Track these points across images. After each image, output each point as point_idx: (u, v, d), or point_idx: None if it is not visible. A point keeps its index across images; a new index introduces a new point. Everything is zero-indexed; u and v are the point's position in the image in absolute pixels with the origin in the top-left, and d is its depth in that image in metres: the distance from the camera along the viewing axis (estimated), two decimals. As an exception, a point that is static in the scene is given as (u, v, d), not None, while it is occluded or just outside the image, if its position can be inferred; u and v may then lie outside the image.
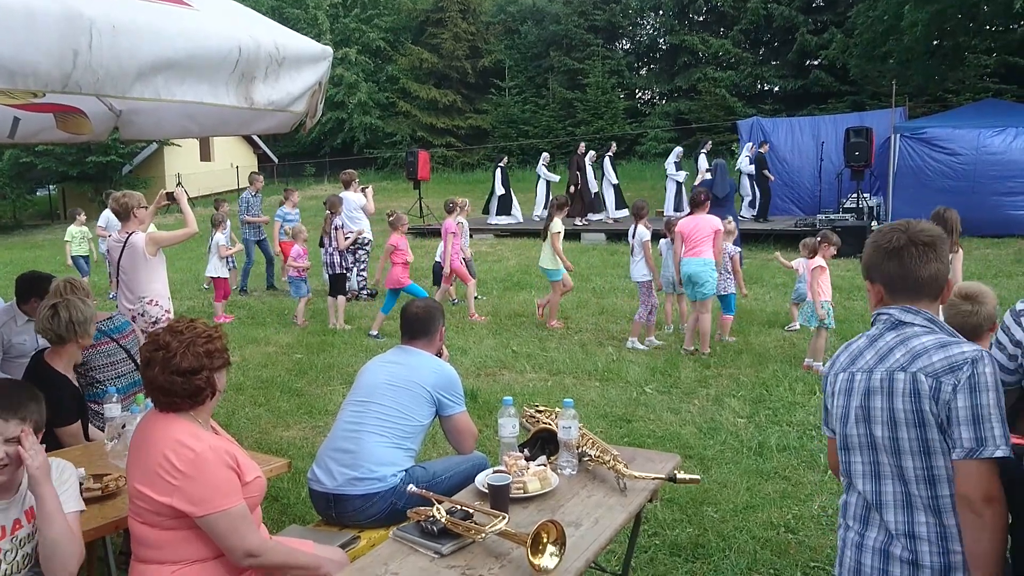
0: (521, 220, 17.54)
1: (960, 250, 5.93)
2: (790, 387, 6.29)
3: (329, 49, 2.72)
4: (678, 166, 16.74)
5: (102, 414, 4.11)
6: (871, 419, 1.89)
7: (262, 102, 2.43)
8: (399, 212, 9.34)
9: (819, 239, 7.02)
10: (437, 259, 10.28)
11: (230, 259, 11.18)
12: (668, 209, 16.39)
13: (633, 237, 7.79)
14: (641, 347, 7.72)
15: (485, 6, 34.72)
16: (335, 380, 6.94)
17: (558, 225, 8.55)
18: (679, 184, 16.62)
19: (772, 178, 15.63)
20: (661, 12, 31.22)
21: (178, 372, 2.31)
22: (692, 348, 7.44)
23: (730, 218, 8.99)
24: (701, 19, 31.06)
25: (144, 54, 2.07)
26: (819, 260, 6.74)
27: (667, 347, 7.73)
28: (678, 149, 17.45)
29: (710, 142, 17.64)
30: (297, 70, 2.54)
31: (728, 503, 4.26)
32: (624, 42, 34.00)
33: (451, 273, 9.42)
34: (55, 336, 3.60)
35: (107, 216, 12.10)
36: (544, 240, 8.69)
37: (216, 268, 9.90)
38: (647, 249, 7.74)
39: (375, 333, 8.52)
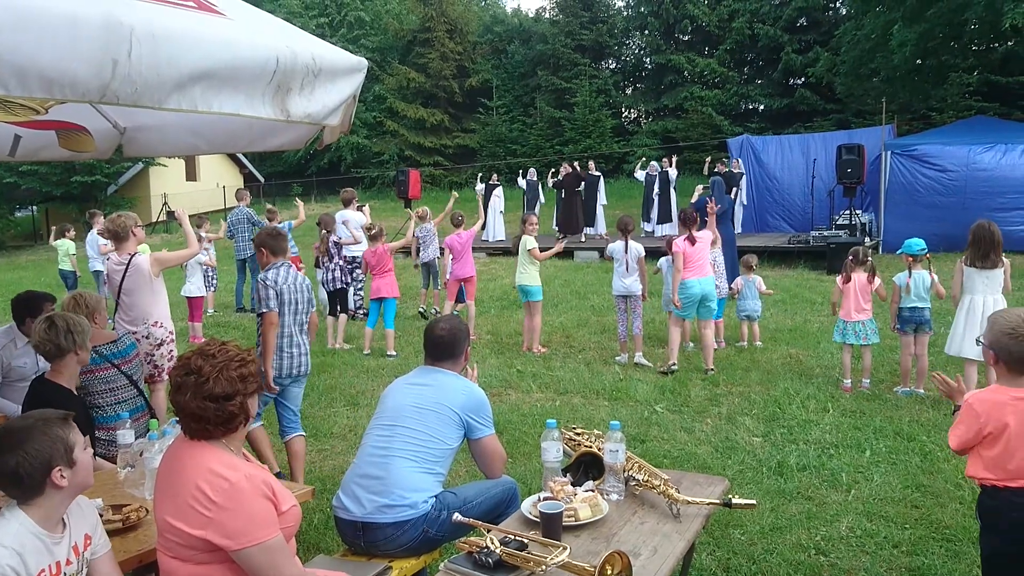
0: (489, 239, 17.69)
1: (1007, 262, 5.91)
2: (802, 404, 6.22)
3: (364, 61, 2.63)
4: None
5: (106, 440, 3.97)
6: None
7: (299, 114, 2.33)
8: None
9: (863, 257, 6.68)
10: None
11: (212, 277, 11.01)
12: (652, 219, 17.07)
13: (626, 253, 7.73)
14: (647, 363, 7.65)
15: (472, 26, 34.83)
16: (338, 402, 6.80)
17: (531, 241, 8.34)
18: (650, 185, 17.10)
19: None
20: (647, 32, 31.44)
21: (211, 398, 2.19)
22: (712, 367, 7.33)
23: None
24: (686, 39, 31.30)
25: (184, 64, 1.97)
26: (877, 279, 6.64)
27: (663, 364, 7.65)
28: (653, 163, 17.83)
29: (655, 163, 17.83)
30: (333, 82, 2.44)
31: (754, 525, 4.16)
32: (611, 61, 34.21)
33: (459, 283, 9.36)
34: (54, 348, 3.44)
35: (93, 236, 11.96)
36: (519, 256, 8.43)
37: (190, 288, 9.59)
38: (642, 264, 7.75)
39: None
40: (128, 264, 5.16)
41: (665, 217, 16.75)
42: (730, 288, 8.42)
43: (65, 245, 12.50)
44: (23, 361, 4.36)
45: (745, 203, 17.06)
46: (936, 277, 6.34)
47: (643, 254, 7.77)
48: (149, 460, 2.99)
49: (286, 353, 4.71)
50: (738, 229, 15.67)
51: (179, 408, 2.23)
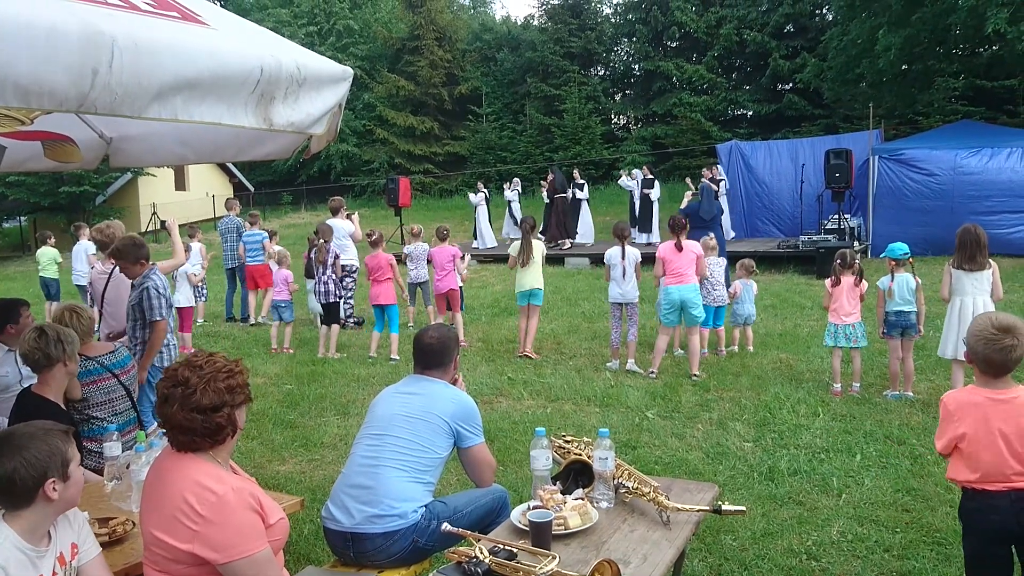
0: (493, 244, 17.62)
1: (995, 264, 5.92)
2: (793, 409, 6.23)
3: (350, 70, 2.62)
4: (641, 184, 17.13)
5: (96, 452, 3.94)
6: None
7: (282, 123, 2.32)
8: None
9: (850, 261, 6.69)
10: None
11: (202, 287, 10.93)
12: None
13: (623, 259, 7.74)
14: (638, 370, 7.64)
15: (461, 34, 34.89)
16: (328, 411, 6.77)
17: (543, 247, 8.57)
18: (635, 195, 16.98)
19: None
20: (635, 38, 31.52)
21: (198, 409, 2.17)
22: (698, 373, 7.37)
23: (711, 234, 9.02)
24: (675, 45, 31.41)
25: (166, 73, 1.96)
26: (864, 282, 6.66)
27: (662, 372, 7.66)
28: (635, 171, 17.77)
29: (638, 171, 17.75)
30: (317, 91, 2.44)
31: (745, 530, 4.15)
32: (600, 68, 34.27)
33: (444, 296, 9.36)
34: (43, 356, 3.40)
35: (79, 249, 11.88)
36: (531, 261, 8.53)
37: (180, 299, 9.47)
38: (639, 270, 7.75)
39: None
40: (111, 274, 5.13)
41: (645, 226, 16.58)
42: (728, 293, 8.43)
43: (50, 253, 12.32)
44: (4, 370, 4.31)
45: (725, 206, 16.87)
46: (920, 281, 6.37)
47: (640, 259, 7.78)
48: (136, 472, 2.96)
49: (165, 349, 5.04)
50: (730, 235, 15.66)
51: (166, 420, 2.21)
